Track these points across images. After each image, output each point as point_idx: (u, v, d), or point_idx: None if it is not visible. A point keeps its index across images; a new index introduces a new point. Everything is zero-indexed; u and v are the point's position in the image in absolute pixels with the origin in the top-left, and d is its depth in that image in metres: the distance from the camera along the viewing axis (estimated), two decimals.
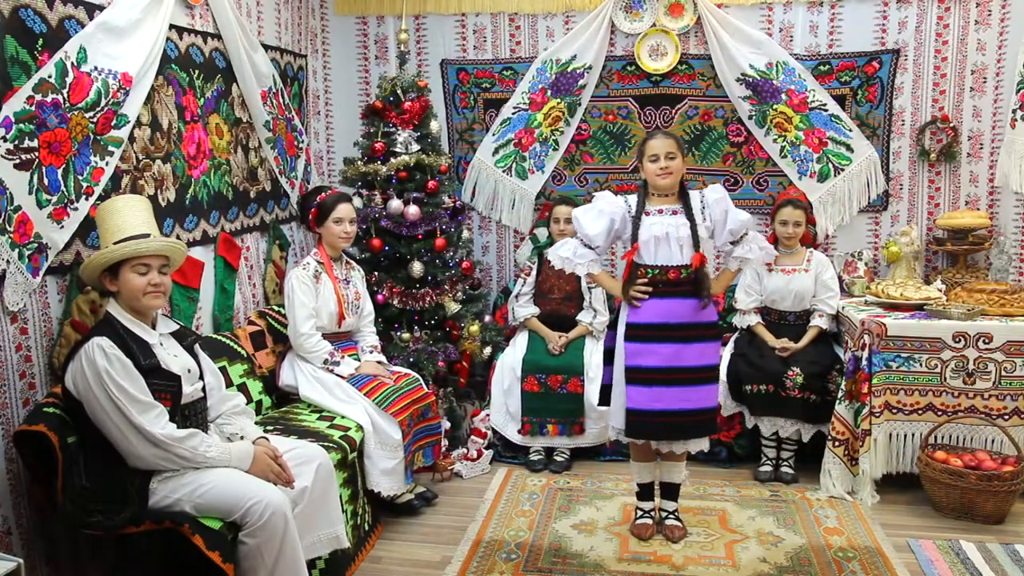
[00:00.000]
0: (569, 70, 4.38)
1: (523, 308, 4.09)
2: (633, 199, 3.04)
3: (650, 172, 2.97)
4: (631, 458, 3.23)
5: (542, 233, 4.34)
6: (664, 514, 3.23)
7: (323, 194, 3.48)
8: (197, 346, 2.53)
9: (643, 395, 2.93)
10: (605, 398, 3.16)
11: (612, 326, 3.15)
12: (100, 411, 2.20)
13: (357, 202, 3.93)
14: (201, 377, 2.48)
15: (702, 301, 2.94)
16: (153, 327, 2.39)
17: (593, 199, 3.12)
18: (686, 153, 3.08)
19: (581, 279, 3.95)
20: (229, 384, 3.02)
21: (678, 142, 2.99)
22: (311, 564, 2.53)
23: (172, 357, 2.38)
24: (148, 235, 2.36)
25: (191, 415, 2.41)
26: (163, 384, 2.30)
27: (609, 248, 3.09)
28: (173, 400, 2.32)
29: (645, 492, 3.24)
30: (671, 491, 3.22)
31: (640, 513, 3.24)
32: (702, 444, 3.08)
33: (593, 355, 3.87)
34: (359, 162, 3.94)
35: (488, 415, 3.97)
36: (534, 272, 4.11)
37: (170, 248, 2.41)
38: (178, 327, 2.51)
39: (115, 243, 2.32)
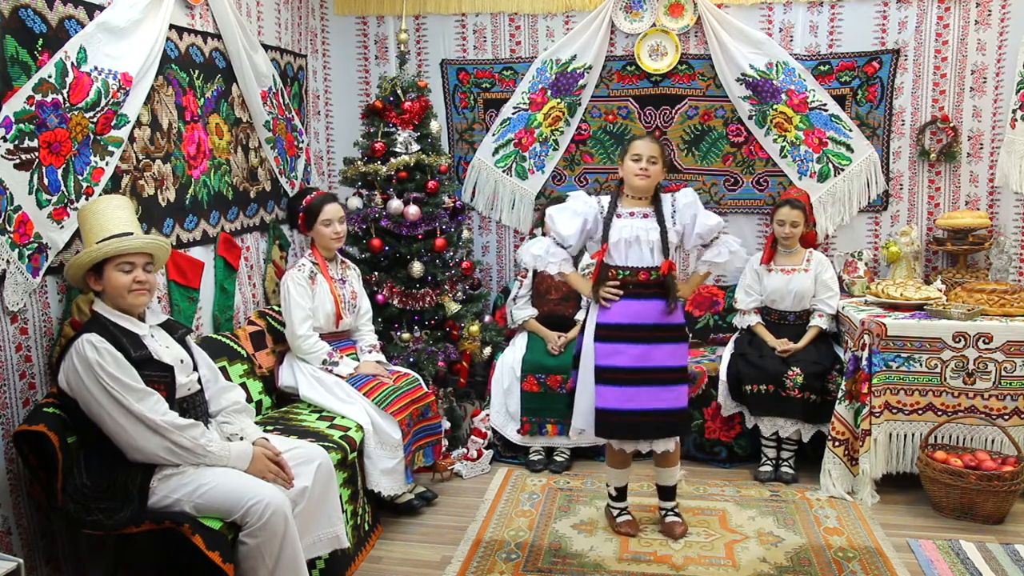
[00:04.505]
0: (569, 70, 4.38)
1: (521, 310, 4.08)
2: (606, 200, 3.08)
3: (629, 170, 3.01)
4: (607, 463, 3.24)
5: None
6: (663, 512, 3.24)
7: (309, 197, 3.47)
8: (189, 338, 2.53)
9: (614, 395, 2.98)
10: (571, 399, 3.18)
11: (581, 329, 3.16)
12: (96, 405, 2.19)
13: (357, 202, 3.94)
14: (195, 369, 2.48)
15: (669, 305, 2.98)
16: (142, 321, 2.39)
17: (567, 199, 3.15)
18: (669, 162, 3.12)
19: None
20: None
21: (663, 151, 3.05)
22: (311, 564, 2.53)
23: (163, 348, 2.38)
24: (131, 233, 2.36)
25: (190, 408, 2.41)
26: (156, 375, 2.30)
27: (581, 248, 3.13)
28: (168, 391, 2.32)
29: (620, 495, 3.26)
30: (667, 492, 3.23)
31: (617, 512, 3.26)
32: (668, 444, 3.08)
33: None
34: (359, 162, 3.94)
35: (488, 415, 3.96)
36: (530, 274, 4.10)
37: (154, 245, 2.40)
38: (166, 319, 2.51)
39: (98, 242, 2.32)
